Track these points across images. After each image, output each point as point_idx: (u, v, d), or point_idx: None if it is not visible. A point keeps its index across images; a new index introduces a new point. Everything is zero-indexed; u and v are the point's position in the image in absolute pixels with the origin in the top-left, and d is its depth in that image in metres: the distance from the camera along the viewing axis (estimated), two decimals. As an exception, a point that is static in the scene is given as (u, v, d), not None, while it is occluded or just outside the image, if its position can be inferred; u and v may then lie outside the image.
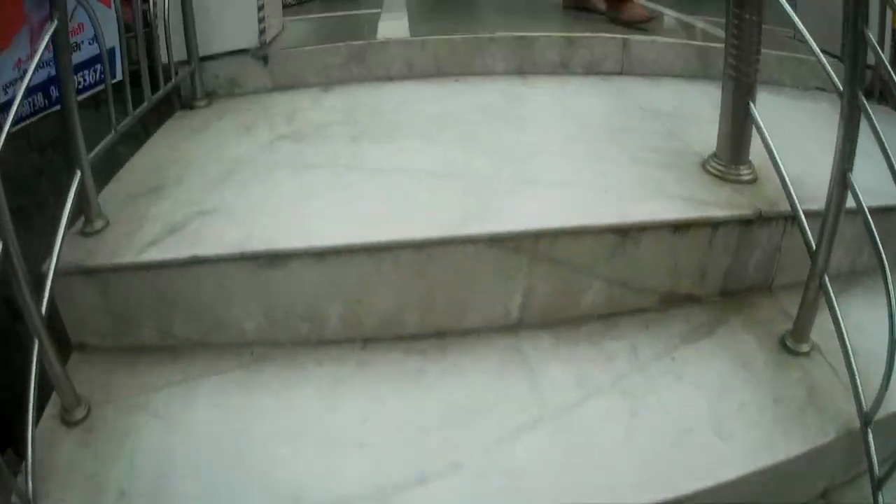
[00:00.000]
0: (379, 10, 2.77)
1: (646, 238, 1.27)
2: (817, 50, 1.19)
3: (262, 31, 2.12)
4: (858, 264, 1.49)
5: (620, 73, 2.25)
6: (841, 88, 1.06)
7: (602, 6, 2.73)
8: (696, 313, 1.35)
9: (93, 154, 1.27)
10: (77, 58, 1.77)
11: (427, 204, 1.28)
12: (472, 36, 2.12)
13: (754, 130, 1.37)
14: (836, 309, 1.13)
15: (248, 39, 2.11)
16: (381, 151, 1.52)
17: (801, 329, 1.25)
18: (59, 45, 1.13)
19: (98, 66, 1.80)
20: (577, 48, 2.19)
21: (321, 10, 3.09)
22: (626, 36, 2.24)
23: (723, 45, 2.37)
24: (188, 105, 2.01)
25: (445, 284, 1.23)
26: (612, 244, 1.26)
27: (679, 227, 1.29)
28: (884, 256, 1.04)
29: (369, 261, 1.18)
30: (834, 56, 2.47)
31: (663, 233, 1.28)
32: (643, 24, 2.47)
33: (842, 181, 1.10)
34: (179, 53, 1.95)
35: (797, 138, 1.71)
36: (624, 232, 1.25)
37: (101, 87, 1.62)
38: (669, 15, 3.02)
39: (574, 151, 1.53)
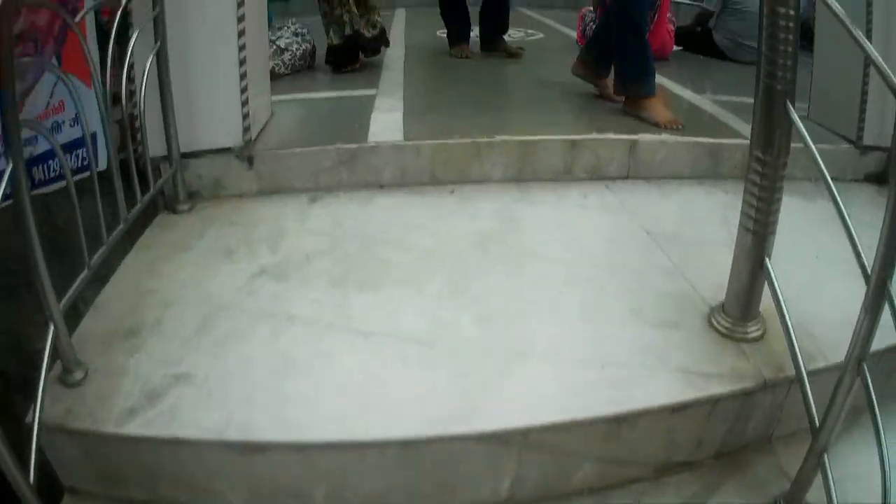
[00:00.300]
0: (374, 92, 2.82)
1: (642, 421, 1.31)
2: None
3: (246, 129, 2.16)
4: (860, 401, 1.53)
5: (626, 177, 2.31)
6: (868, 272, 1.08)
7: (616, 97, 2.75)
8: (689, 482, 1.39)
9: (65, 301, 1.32)
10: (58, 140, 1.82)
11: (414, 388, 1.32)
12: (469, 141, 2.16)
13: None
14: (832, 486, 1.15)
15: (233, 137, 2.15)
16: (368, 304, 1.56)
17: (795, 495, 1.28)
18: (18, 196, 1.15)
19: (80, 152, 1.83)
20: (581, 151, 2.24)
21: (315, 85, 3.15)
22: (633, 137, 2.29)
23: (734, 140, 2.46)
24: (171, 207, 2.06)
25: (432, 472, 1.26)
26: (606, 431, 1.30)
27: (677, 409, 1.32)
28: (881, 425, 1.08)
29: (352, 454, 1.22)
30: (850, 141, 2.55)
31: (661, 414, 1.32)
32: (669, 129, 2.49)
33: (855, 370, 1.13)
34: (159, 147, 1.99)
35: (811, 259, 1.78)
36: (620, 420, 1.29)
37: (85, 174, 1.62)
38: (673, 92, 3.08)
39: (570, 305, 1.57)
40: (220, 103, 2.11)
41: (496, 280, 1.66)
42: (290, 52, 3.31)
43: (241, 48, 2.08)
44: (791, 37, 1.25)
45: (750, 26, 4.59)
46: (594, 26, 4.43)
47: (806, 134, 1.25)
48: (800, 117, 1.26)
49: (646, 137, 2.31)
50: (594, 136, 2.26)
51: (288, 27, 3.50)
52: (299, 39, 3.41)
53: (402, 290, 1.61)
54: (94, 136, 1.72)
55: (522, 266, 1.72)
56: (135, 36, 1.81)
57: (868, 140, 2.56)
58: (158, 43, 1.91)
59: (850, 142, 2.59)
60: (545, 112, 2.68)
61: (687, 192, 2.26)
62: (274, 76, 3.21)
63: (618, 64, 2.72)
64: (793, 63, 1.26)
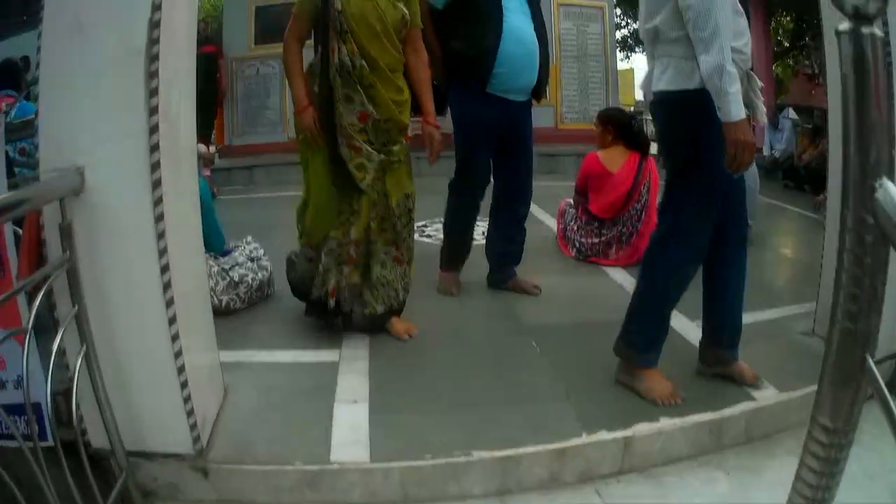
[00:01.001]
0: (336, 358, 2.86)
1: None
2: None
3: (196, 438, 2.14)
4: None
5: (619, 472, 2.31)
6: None
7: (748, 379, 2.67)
8: None
9: None
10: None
11: None
12: (443, 462, 2.15)
13: None
14: None
15: (182, 444, 2.14)
16: None
17: None
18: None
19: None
20: (570, 458, 2.25)
21: (270, 337, 3.15)
22: (627, 433, 2.32)
23: (735, 409, 2.49)
24: (128, 508, 2.04)
25: None
26: None
27: None
28: None
29: None
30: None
31: None
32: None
33: None
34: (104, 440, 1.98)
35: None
36: None
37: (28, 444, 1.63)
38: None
39: None
40: (163, 409, 2.12)
41: None
42: (245, 285, 3.35)
43: (178, 354, 2.07)
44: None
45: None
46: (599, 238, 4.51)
47: None
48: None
49: (641, 430, 2.33)
50: (584, 439, 2.27)
51: (242, 248, 3.57)
52: (255, 266, 3.46)
53: None
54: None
55: None
56: (59, 336, 1.82)
57: (880, 353, 2.61)
58: (84, 346, 1.93)
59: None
60: (525, 397, 2.63)
61: (686, 486, 2.26)
62: (229, 311, 3.27)
63: (628, 322, 2.63)
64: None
